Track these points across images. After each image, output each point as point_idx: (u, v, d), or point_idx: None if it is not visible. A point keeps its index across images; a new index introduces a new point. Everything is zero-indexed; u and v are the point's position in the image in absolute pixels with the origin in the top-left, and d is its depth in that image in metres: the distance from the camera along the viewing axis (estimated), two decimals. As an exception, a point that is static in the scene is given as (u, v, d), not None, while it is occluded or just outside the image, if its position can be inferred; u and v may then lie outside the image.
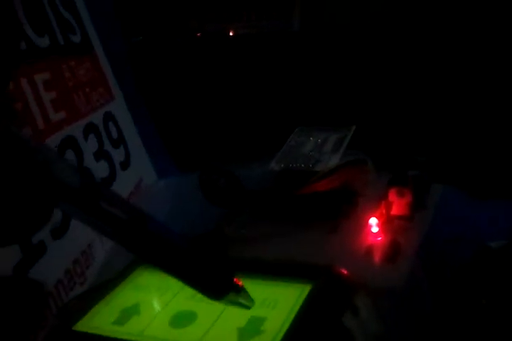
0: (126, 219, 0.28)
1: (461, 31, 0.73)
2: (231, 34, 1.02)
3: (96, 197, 0.27)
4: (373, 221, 0.50)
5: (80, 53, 0.71)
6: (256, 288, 0.37)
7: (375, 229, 0.49)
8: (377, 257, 0.46)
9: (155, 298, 0.38)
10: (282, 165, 0.61)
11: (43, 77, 0.57)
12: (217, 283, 0.31)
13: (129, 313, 0.37)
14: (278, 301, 0.36)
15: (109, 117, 0.72)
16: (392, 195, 0.50)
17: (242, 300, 0.32)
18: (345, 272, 0.38)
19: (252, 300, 0.33)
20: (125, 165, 0.73)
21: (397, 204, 0.50)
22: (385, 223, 0.50)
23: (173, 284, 0.38)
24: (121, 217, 0.28)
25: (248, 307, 0.33)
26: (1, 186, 0.24)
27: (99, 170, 0.64)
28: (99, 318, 0.37)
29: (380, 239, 0.49)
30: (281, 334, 0.32)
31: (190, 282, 0.31)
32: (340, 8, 0.87)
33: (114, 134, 0.72)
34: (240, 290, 0.32)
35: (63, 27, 0.67)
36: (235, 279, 0.32)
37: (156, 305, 0.37)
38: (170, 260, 0.30)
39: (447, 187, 0.60)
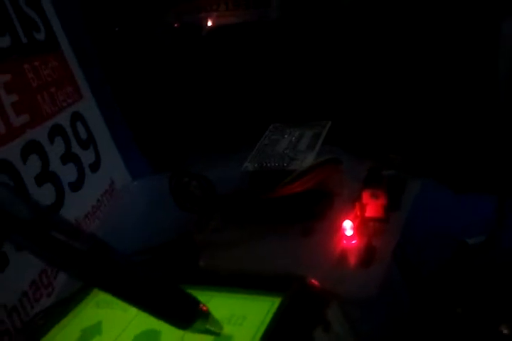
0: (86, 250, 0.27)
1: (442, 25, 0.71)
2: (209, 24, 0.99)
3: (48, 229, 0.26)
4: (347, 223, 0.48)
5: (44, 52, 0.68)
6: (222, 304, 0.35)
7: (349, 232, 0.48)
8: (351, 262, 0.45)
9: (117, 315, 0.37)
10: (256, 165, 0.59)
11: (3, 80, 0.55)
12: (183, 312, 0.30)
13: (90, 333, 0.35)
14: (246, 317, 0.34)
15: (77, 117, 0.70)
16: (366, 197, 0.49)
17: (210, 327, 0.31)
18: (317, 284, 0.36)
19: (220, 326, 0.32)
20: (95, 167, 0.71)
21: (372, 206, 0.49)
22: (360, 225, 0.49)
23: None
24: (80, 248, 0.27)
25: (217, 334, 0.32)
26: None
27: (67, 173, 0.62)
28: (60, 339, 0.35)
29: (354, 242, 0.47)
30: (248, 354, 0.31)
31: (155, 313, 0.30)
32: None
33: (83, 135, 0.70)
34: (207, 316, 0.31)
35: (26, 24, 0.64)
36: (200, 305, 0.31)
37: (119, 324, 0.36)
38: (133, 291, 0.29)
39: (426, 181, 0.59)
